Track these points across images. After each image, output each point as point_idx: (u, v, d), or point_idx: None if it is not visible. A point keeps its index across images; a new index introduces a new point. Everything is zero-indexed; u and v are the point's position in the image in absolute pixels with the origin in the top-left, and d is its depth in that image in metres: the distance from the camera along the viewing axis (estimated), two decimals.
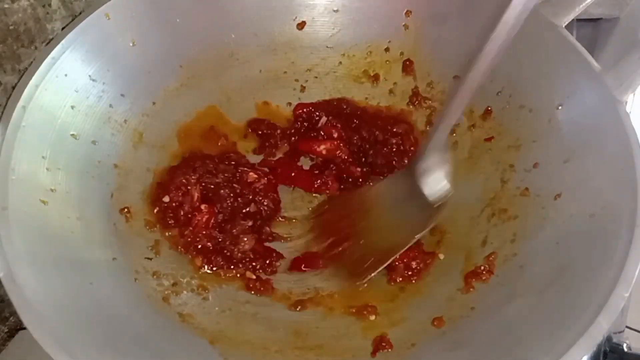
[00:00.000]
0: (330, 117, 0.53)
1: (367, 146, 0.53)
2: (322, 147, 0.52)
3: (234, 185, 0.48)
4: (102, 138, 0.46)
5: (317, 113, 0.54)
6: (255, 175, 0.49)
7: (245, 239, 0.46)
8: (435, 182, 0.44)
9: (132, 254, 0.43)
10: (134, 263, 0.43)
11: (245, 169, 0.49)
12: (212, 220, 0.46)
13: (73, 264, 0.38)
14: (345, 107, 0.55)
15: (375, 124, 0.53)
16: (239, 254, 0.46)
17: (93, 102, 0.46)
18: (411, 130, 0.54)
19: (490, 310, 0.40)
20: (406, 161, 0.52)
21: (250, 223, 0.47)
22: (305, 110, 0.54)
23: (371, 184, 0.51)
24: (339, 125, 0.53)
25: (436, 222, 0.45)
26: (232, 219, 0.47)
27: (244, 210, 0.48)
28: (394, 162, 0.52)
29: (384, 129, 0.53)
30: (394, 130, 0.53)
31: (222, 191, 0.48)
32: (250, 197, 0.48)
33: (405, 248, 0.44)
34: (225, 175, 0.48)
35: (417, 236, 0.45)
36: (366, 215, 0.47)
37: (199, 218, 0.46)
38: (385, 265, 0.44)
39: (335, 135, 0.53)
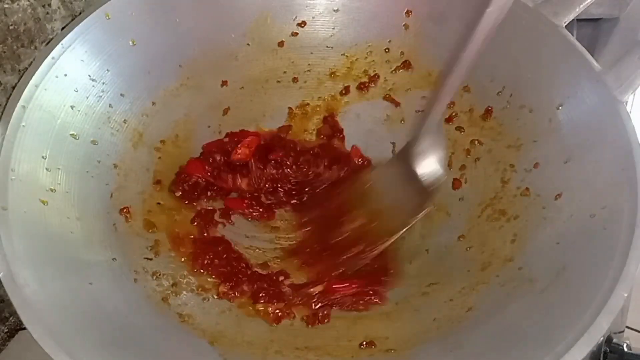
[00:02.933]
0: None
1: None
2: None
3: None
4: (102, 138, 0.46)
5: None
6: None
7: None
8: (429, 165, 0.44)
9: (132, 254, 0.43)
10: (133, 263, 0.43)
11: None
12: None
13: (73, 264, 0.38)
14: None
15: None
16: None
17: (93, 102, 0.46)
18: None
19: (490, 310, 0.40)
20: None
21: None
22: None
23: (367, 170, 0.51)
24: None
25: (430, 206, 0.46)
26: None
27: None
28: None
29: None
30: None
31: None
32: None
33: (400, 234, 0.45)
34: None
35: (412, 221, 0.45)
36: (360, 203, 0.48)
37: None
38: (377, 252, 0.45)
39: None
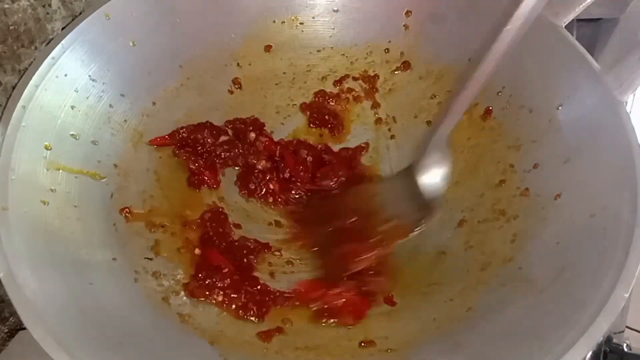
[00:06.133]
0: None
1: None
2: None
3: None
4: (102, 138, 0.46)
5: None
6: None
7: None
8: (432, 180, 0.45)
9: (132, 255, 0.43)
10: (134, 263, 0.43)
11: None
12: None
13: (73, 264, 0.38)
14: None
15: None
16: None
17: (93, 102, 0.46)
18: None
19: (490, 310, 0.40)
20: None
21: None
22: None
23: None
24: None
25: (429, 222, 0.46)
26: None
27: None
28: None
29: None
30: None
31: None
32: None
33: (393, 246, 0.46)
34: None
35: (411, 233, 0.46)
36: (362, 212, 0.48)
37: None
38: (370, 257, 0.45)
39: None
